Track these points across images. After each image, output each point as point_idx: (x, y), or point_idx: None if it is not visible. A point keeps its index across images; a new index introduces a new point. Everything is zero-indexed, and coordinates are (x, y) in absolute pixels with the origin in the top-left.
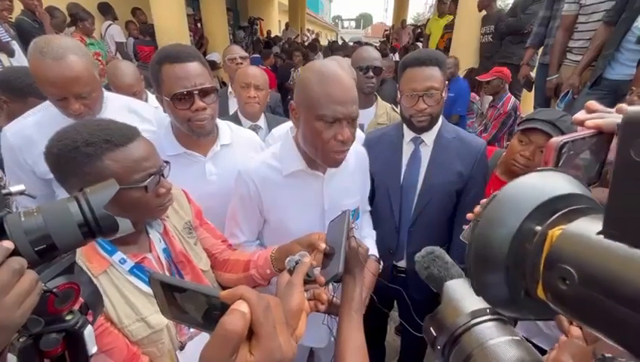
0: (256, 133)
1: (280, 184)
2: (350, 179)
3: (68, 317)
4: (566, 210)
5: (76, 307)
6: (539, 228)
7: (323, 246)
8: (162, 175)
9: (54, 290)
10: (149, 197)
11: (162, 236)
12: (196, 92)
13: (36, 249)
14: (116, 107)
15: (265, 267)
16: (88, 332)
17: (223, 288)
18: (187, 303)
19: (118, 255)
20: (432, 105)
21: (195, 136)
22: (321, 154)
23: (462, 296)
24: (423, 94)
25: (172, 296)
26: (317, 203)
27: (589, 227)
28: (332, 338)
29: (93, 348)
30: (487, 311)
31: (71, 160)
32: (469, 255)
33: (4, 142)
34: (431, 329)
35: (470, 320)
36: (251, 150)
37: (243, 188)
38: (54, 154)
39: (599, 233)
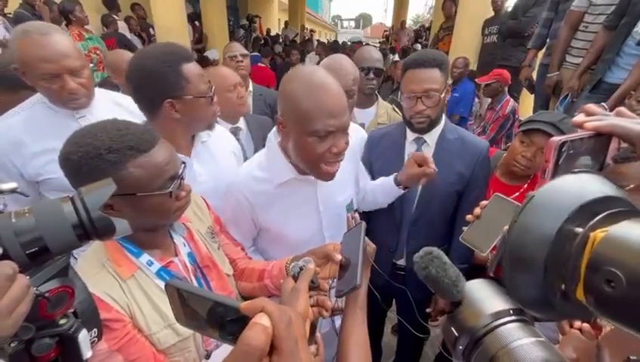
0: (237, 135)
1: (272, 195)
2: (340, 175)
3: (61, 322)
4: (607, 212)
5: (71, 311)
6: (580, 230)
7: (339, 257)
8: (182, 178)
9: (47, 295)
10: (171, 201)
11: (187, 240)
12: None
13: (27, 252)
14: (102, 101)
15: (279, 277)
16: (83, 336)
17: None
18: (203, 311)
19: (145, 257)
20: (430, 106)
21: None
22: (314, 168)
23: (483, 296)
24: (421, 95)
25: (187, 303)
26: (312, 206)
27: (636, 230)
28: (334, 330)
29: (87, 353)
30: (511, 311)
31: (94, 168)
32: (504, 255)
33: None
34: (452, 329)
35: (493, 321)
36: (224, 141)
37: (235, 203)
38: (74, 161)
39: None
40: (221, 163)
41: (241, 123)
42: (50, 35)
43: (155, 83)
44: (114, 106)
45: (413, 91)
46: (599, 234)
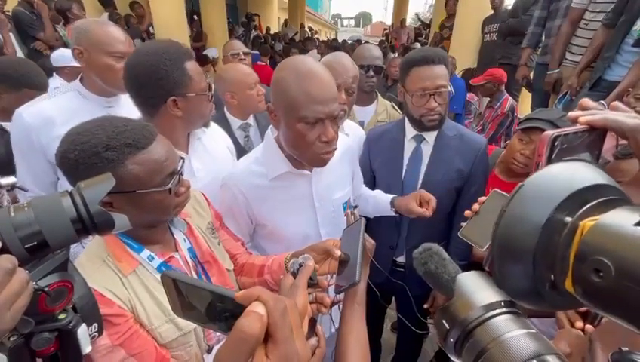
0: (247, 131)
1: (268, 188)
2: (337, 172)
3: (61, 316)
4: (597, 201)
5: (70, 306)
6: (569, 219)
7: (338, 253)
8: (181, 173)
9: (46, 289)
10: (171, 197)
11: (187, 236)
12: None
13: (26, 246)
14: (130, 100)
15: (279, 272)
16: (82, 331)
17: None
18: (199, 302)
19: (146, 252)
20: (441, 103)
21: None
22: (306, 156)
23: (474, 288)
24: (434, 93)
25: (184, 294)
26: (307, 201)
27: (625, 218)
28: (333, 329)
29: (87, 348)
30: (502, 303)
31: (91, 166)
32: (492, 245)
33: (19, 122)
34: (443, 321)
35: (484, 313)
36: (218, 137)
37: (230, 198)
38: (71, 159)
39: (637, 224)
40: (217, 158)
41: (251, 119)
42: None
43: (160, 80)
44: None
45: (426, 88)
46: (588, 223)
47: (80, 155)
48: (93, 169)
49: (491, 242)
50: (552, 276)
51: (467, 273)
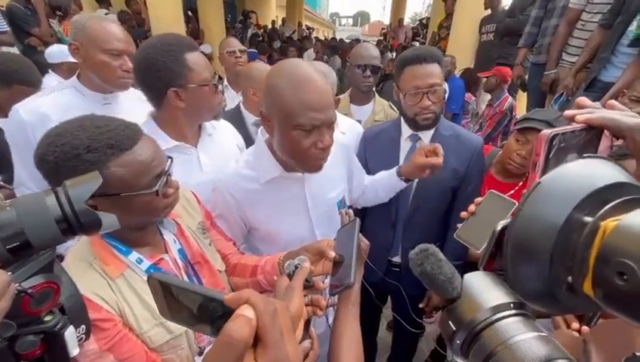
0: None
1: (259, 192)
2: (330, 172)
3: (47, 318)
4: (619, 200)
5: (57, 307)
6: (589, 219)
7: (332, 254)
8: (169, 174)
9: (30, 291)
10: (159, 199)
11: (177, 237)
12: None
13: (8, 247)
14: (128, 94)
15: (272, 273)
16: (69, 333)
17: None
18: (188, 305)
19: (134, 255)
20: (435, 101)
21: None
22: (300, 163)
23: (482, 289)
24: (427, 91)
25: (172, 296)
26: (300, 203)
27: None
28: (329, 322)
29: (74, 350)
30: (511, 305)
31: (72, 169)
32: (507, 245)
33: (15, 118)
34: (450, 322)
35: (492, 315)
36: (229, 135)
37: (222, 202)
38: (51, 162)
39: None
40: (227, 154)
41: None
42: (120, 25)
43: (158, 72)
44: (137, 101)
45: (418, 87)
46: (610, 223)
47: (60, 158)
48: (74, 172)
49: (505, 240)
50: (570, 278)
51: (474, 273)
